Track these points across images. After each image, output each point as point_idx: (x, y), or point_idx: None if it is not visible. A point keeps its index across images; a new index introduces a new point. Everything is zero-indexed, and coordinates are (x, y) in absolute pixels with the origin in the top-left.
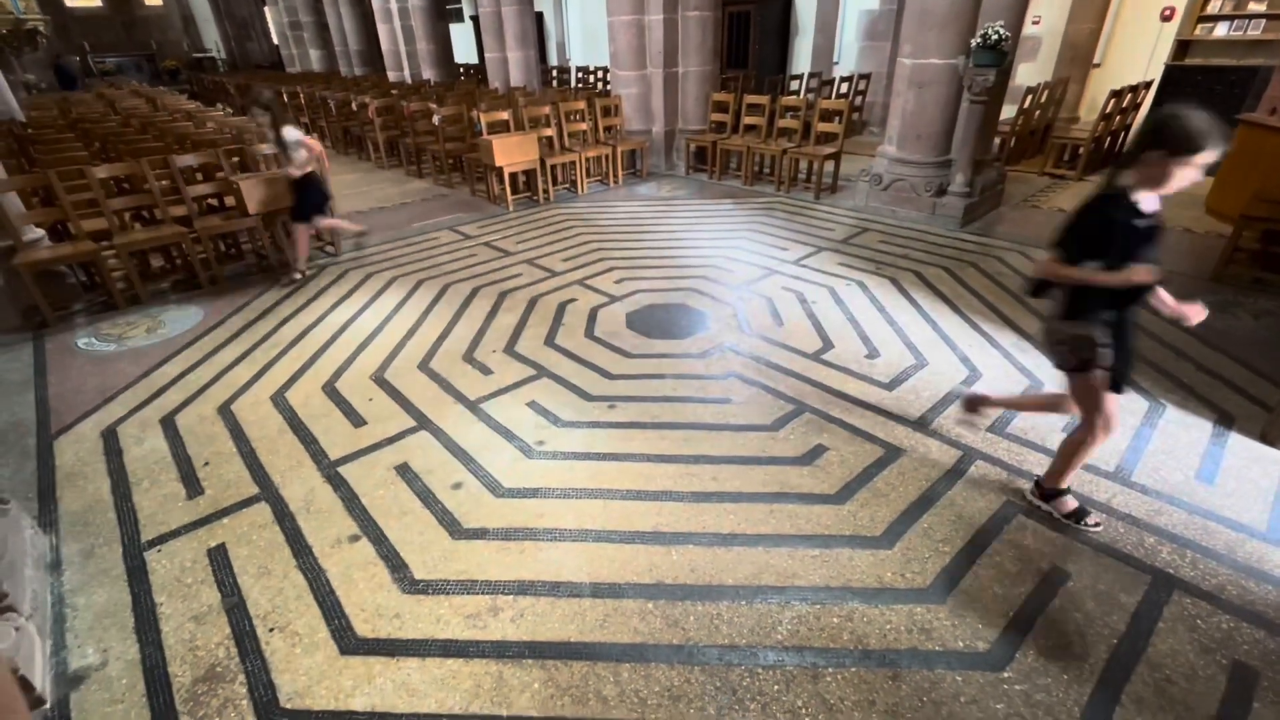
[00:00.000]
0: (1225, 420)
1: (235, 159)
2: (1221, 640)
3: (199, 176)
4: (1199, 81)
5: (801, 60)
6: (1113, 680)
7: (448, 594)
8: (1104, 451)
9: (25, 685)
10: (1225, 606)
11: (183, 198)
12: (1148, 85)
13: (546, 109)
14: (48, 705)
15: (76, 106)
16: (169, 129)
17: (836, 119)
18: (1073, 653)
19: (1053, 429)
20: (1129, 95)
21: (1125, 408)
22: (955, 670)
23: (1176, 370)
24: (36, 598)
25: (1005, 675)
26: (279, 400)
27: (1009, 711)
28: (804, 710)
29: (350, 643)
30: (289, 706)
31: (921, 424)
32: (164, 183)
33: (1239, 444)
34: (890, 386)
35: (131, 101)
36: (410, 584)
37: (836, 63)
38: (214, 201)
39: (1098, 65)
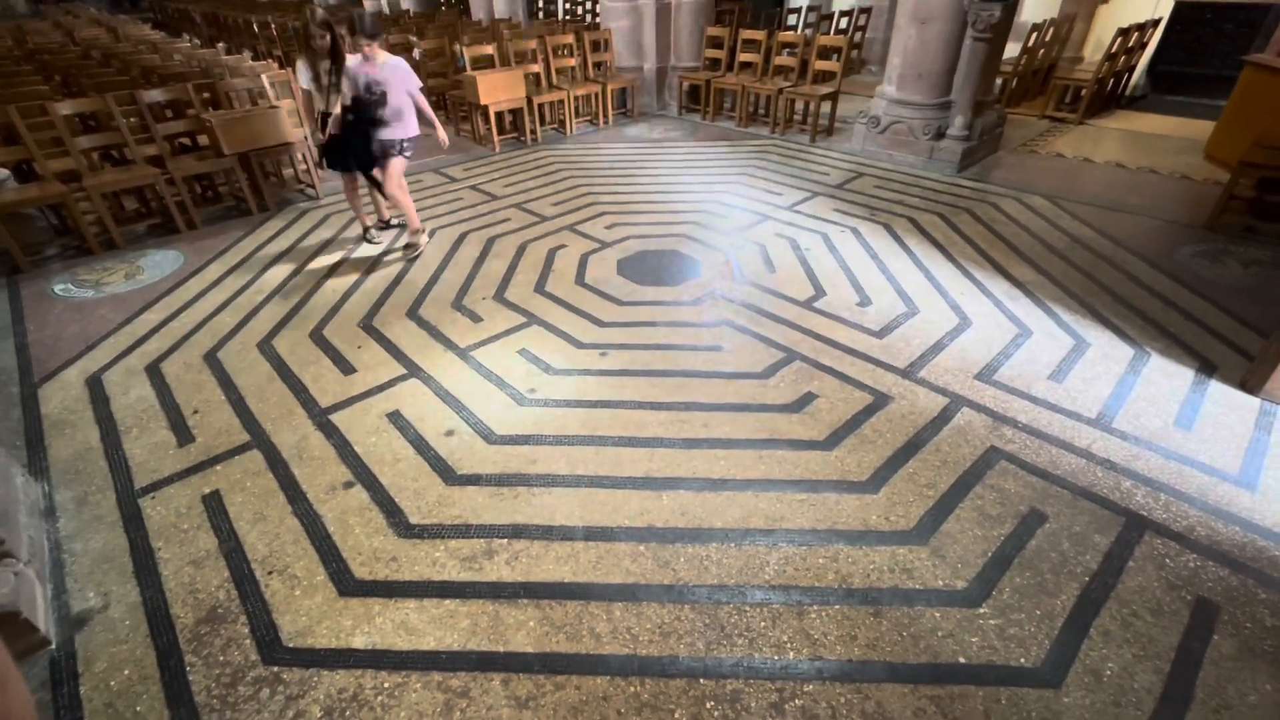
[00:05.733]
0: (1207, 368)
1: (206, 95)
2: (1188, 578)
3: (169, 114)
4: (1208, 20)
5: None
6: (1082, 615)
7: (443, 538)
8: (1087, 399)
9: (29, 628)
10: (1193, 546)
11: (153, 136)
12: (1156, 23)
13: (533, 43)
14: (53, 646)
15: (33, 36)
16: (134, 61)
17: (835, 56)
18: (1046, 590)
19: (1038, 376)
20: (1136, 34)
21: (1110, 356)
22: (934, 607)
23: (1164, 319)
24: (34, 544)
25: (981, 611)
26: (266, 348)
27: (983, 645)
28: (789, 645)
29: (349, 585)
30: (291, 645)
31: (910, 372)
32: (132, 120)
33: (1219, 391)
34: (881, 334)
35: (91, 31)
36: (406, 529)
37: None
38: (187, 141)
39: (1105, 1)
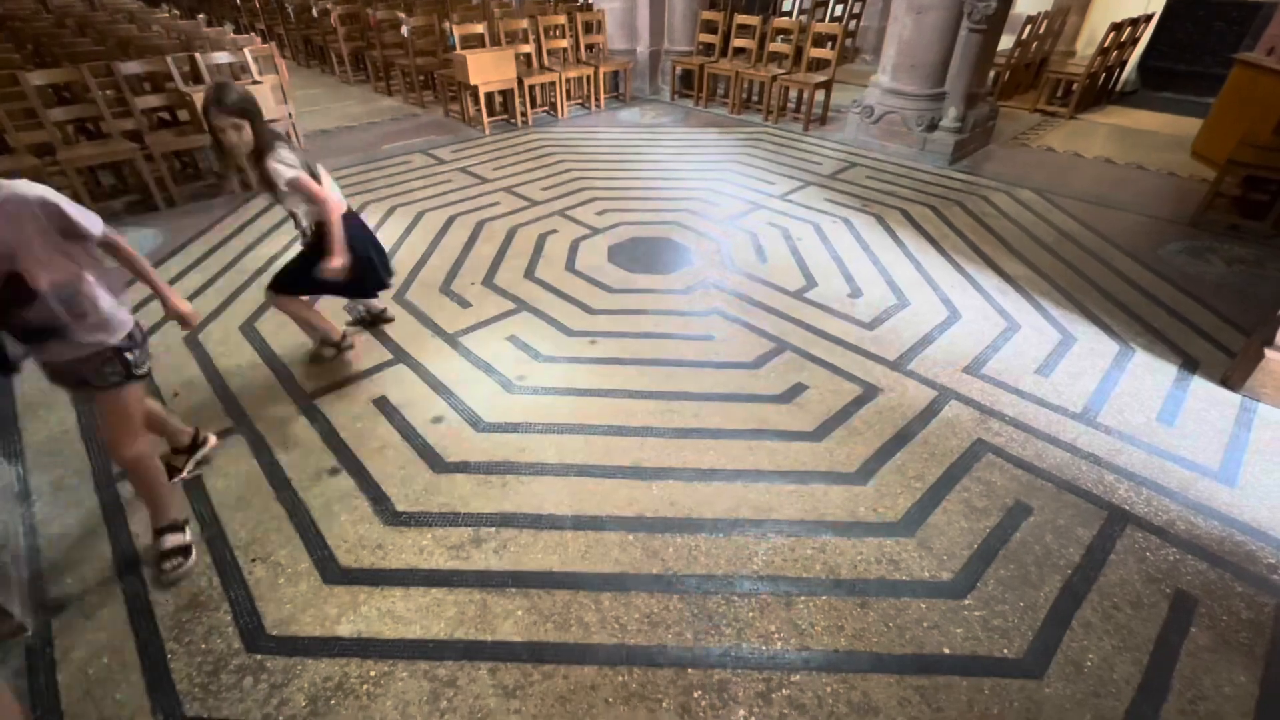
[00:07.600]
0: (1190, 364)
1: (186, 68)
2: (1167, 571)
3: (147, 87)
4: (1200, 16)
5: None
6: (1065, 607)
7: (430, 526)
8: (1073, 394)
9: (3, 614)
10: (1173, 540)
11: (130, 110)
12: (1148, 18)
13: (524, 23)
14: (29, 633)
15: (3, 3)
16: (110, 31)
17: (830, 44)
18: (1030, 582)
19: (1025, 370)
20: (1128, 29)
21: (1095, 351)
22: (920, 598)
23: (1148, 315)
24: (7, 528)
25: (966, 603)
26: (249, 330)
27: (967, 635)
28: (776, 635)
29: (333, 573)
30: (275, 633)
31: (900, 364)
32: (109, 93)
33: (1201, 388)
34: (871, 326)
35: None
36: (392, 516)
37: None
38: (166, 116)
39: None
